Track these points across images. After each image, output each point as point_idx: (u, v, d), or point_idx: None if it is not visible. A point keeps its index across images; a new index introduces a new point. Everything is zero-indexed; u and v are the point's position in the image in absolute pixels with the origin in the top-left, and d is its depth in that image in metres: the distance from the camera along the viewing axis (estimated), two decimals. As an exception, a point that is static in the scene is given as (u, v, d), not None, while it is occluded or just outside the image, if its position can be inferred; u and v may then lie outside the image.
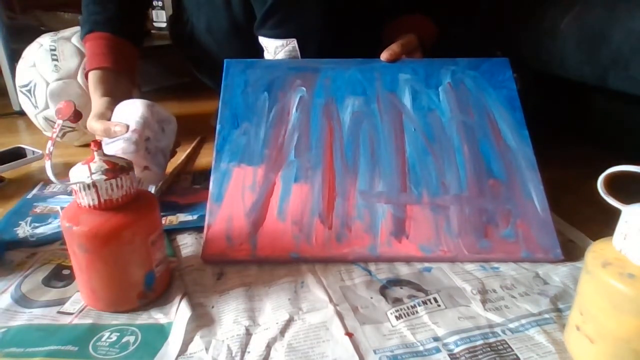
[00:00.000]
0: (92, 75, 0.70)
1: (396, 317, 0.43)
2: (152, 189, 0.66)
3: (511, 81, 0.63)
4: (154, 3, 1.42)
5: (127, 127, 0.58)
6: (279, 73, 0.64)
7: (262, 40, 0.73)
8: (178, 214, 0.62)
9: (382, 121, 0.60)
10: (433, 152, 0.57)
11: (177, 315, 0.43)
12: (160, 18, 1.44)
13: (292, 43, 0.71)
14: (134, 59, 0.77)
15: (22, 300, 0.46)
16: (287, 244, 0.51)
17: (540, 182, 0.55)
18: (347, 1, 0.76)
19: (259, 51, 0.75)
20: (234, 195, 0.55)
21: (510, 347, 0.40)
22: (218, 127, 0.60)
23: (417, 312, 0.44)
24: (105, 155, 0.42)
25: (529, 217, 0.53)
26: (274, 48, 0.72)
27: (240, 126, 0.60)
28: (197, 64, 0.93)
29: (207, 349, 0.40)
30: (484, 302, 0.45)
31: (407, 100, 0.61)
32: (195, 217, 0.60)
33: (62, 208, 0.61)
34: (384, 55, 0.65)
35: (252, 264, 0.51)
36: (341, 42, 0.76)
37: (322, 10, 0.70)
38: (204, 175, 0.74)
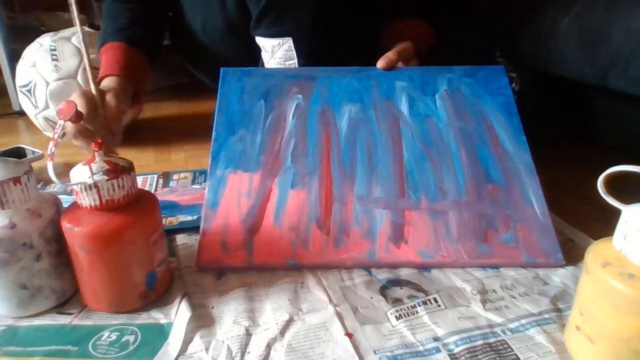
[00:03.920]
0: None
1: (396, 317, 0.43)
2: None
3: (507, 88, 0.63)
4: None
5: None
6: (276, 81, 0.64)
7: (259, 40, 0.73)
8: (178, 215, 0.62)
9: (379, 127, 0.60)
10: (431, 158, 0.57)
11: (177, 315, 0.43)
12: (160, 18, 1.44)
13: (288, 42, 0.71)
14: (143, 69, 0.76)
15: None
16: (284, 249, 0.51)
17: (539, 187, 0.55)
18: (343, 0, 0.76)
19: (254, 50, 0.75)
20: (229, 202, 0.54)
21: (510, 347, 0.40)
22: (214, 134, 0.60)
23: (417, 312, 0.44)
24: (106, 155, 0.42)
25: (529, 222, 0.53)
26: (271, 47, 0.72)
27: (236, 133, 0.60)
28: (195, 64, 0.94)
29: (207, 349, 0.40)
30: (484, 302, 0.45)
31: (403, 107, 0.61)
32: (195, 217, 0.60)
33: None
34: (380, 63, 0.64)
35: (248, 270, 0.51)
36: (339, 42, 0.76)
37: (316, 9, 0.70)
38: (204, 175, 0.74)
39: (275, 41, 0.71)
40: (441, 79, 0.64)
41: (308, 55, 0.71)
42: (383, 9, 0.77)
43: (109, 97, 0.63)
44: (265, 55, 0.75)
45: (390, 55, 0.65)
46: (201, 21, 0.80)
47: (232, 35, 0.78)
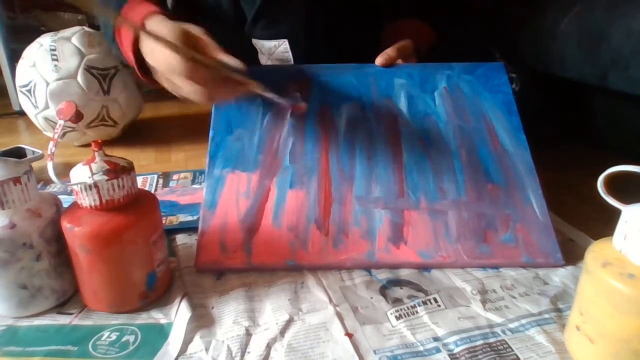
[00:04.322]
0: (149, 23, 0.51)
1: (396, 317, 0.43)
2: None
3: (507, 85, 0.62)
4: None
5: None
6: (273, 79, 0.63)
7: (256, 42, 0.73)
8: (178, 214, 0.62)
9: (377, 126, 0.59)
10: (430, 157, 0.57)
11: (177, 315, 0.43)
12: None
13: (284, 44, 0.71)
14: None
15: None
16: (283, 250, 0.51)
17: (538, 187, 0.55)
18: (339, 1, 0.75)
19: (253, 52, 0.75)
20: (227, 202, 0.54)
21: (510, 347, 0.40)
22: (211, 133, 0.59)
23: (417, 312, 0.44)
24: (106, 155, 0.42)
25: (529, 222, 0.53)
26: (268, 49, 0.72)
27: (233, 132, 0.59)
28: None
29: (207, 349, 0.40)
30: (484, 302, 0.45)
31: (402, 105, 0.61)
32: (195, 217, 0.60)
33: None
34: (378, 60, 0.64)
35: (247, 271, 0.50)
36: (337, 43, 0.76)
37: (311, 11, 0.69)
38: (204, 175, 0.74)
39: (271, 43, 0.71)
40: (440, 76, 0.63)
41: (305, 57, 0.71)
42: (382, 9, 0.77)
43: (190, 27, 0.50)
44: (262, 58, 0.74)
45: (389, 52, 0.64)
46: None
47: (230, 38, 0.78)
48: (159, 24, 0.50)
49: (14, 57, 1.05)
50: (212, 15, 0.77)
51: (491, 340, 0.41)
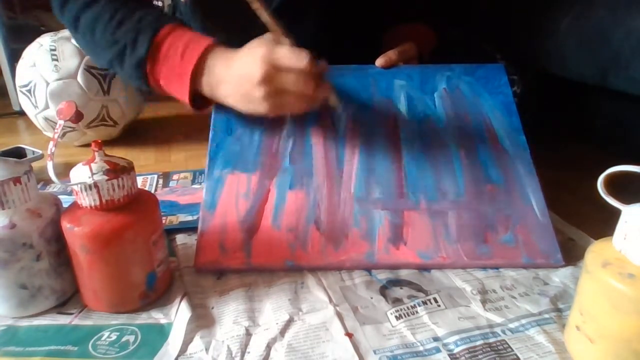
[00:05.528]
0: (211, 57, 0.56)
1: (396, 317, 0.43)
2: None
3: (507, 87, 0.62)
4: (154, 3, 1.42)
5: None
6: None
7: None
8: (178, 214, 0.62)
9: (377, 127, 0.59)
10: (430, 158, 0.57)
11: (177, 315, 0.43)
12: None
13: None
14: None
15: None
16: (283, 251, 0.51)
17: (539, 187, 0.55)
18: (346, 10, 0.75)
19: None
20: (227, 203, 0.54)
21: (510, 347, 0.40)
22: (211, 133, 0.59)
23: (417, 312, 0.44)
24: (106, 155, 0.42)
25: (529, 222, 0.53)
26: None
27: (233, 133, 0.59)
28: None
29: (207, 349, 0.40)
30: (484, 302, 0.45)
31: (402, 106, 0.61)
32: (195, 217, 0.60)
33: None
34: (379, 61, 0.64)
35: (246, 272, 0.50)
36: (341, 49, 0.75)
37: (321, 21, 0.69)
38: (204, 175, 0.74)
39: None
40: (440, 77, 0.63)
41: None
42: (389, 17, 0.77)
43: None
44: None
45: (390, 54, 0.64)
46: (201, 28, 0.79)
47: (238, 36, 0.78)
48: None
49: (14, 57, 1.05)
50: (221, 16, 0.77)
51: (491, 340, 0.41)
